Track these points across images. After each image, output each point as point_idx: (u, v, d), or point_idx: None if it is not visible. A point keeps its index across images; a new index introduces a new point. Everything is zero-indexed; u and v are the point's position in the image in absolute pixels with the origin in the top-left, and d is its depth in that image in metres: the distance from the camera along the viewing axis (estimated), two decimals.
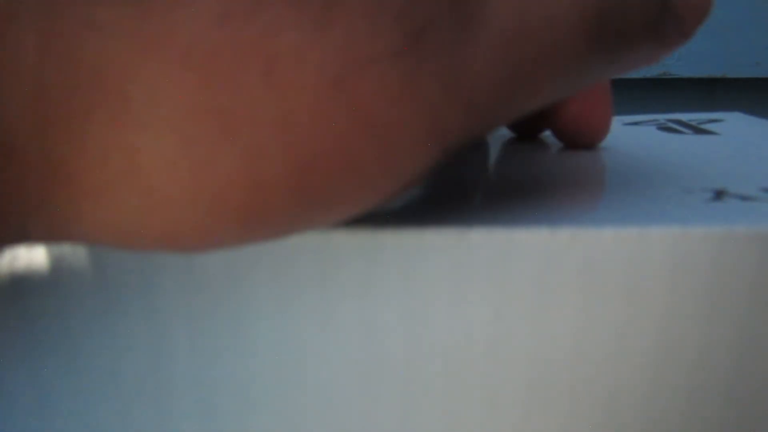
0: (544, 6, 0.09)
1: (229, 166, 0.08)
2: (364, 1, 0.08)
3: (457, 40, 0.08)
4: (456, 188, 0.13)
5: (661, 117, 0.22)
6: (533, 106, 0.10)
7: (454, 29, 0.08)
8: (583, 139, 0.17)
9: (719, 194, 0.12)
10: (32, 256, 0.11)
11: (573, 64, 0.09)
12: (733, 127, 0.20)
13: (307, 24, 0.07)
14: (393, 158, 0.08)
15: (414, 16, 0.08)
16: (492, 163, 0.16)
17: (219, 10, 0.07)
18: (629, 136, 0.19)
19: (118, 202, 0.08)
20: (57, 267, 0.11)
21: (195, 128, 0.07)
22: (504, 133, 0.20)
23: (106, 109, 0.07)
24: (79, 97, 0.07)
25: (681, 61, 0.50)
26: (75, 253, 0.11)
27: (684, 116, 0.22)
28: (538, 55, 0.09)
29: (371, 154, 0.08)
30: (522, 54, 0.09)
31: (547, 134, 0.20)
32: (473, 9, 0.08)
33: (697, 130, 0.19)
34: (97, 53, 0.07)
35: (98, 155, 0.08)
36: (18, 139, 0.07)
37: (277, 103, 0.07)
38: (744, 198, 0.12)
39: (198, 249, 0.09)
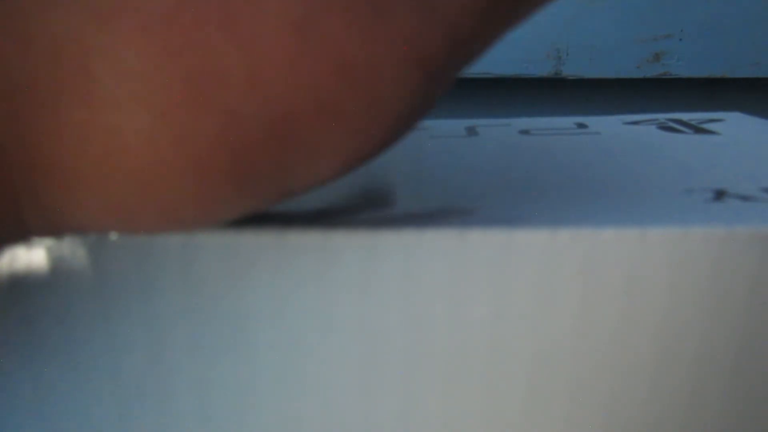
0: None
1: (207, 132, 0.07)
2: None
3: None
4: (455, 189, 0.13)
5: (661, 116, 0.22)
6: (511, 25, 0.09)
7: None
8: None
9: (719, 194, 0.12)
10: (32, 257, 0.11)
11: None
12: (733, 126, 0.20)
13: None
14: (373, 97, 0.08)
15: None
16: (491, 164, 0.16)
17: None
18: (629, 135, 0.19)
19: (107, 185, 0.08)
20: (56, 267, 0.11)
21: (166, 99, 0.07)
22: (502, 130, 0.20)
23: (74, 89, 0.07)
24: (43, 82, 0.07)
25: (681, 61, 0.50)
26: (74, 253, 0.11)
27: (684, 116, 0.22)
28: None
29: (349, 95, 0.08)
30: None
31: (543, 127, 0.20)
32: None
33: (697, 130, 0.19)
34: (55, 30, 0.07)
35: (75, 141, 0.07)
36: (2, 136, 0.07)
37: (240, 57, 0.07)
38: (744, 198, 0.12)
39: (201, 221, 0.08)
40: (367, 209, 0.12)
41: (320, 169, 0.08)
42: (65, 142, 0.07)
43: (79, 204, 0.08)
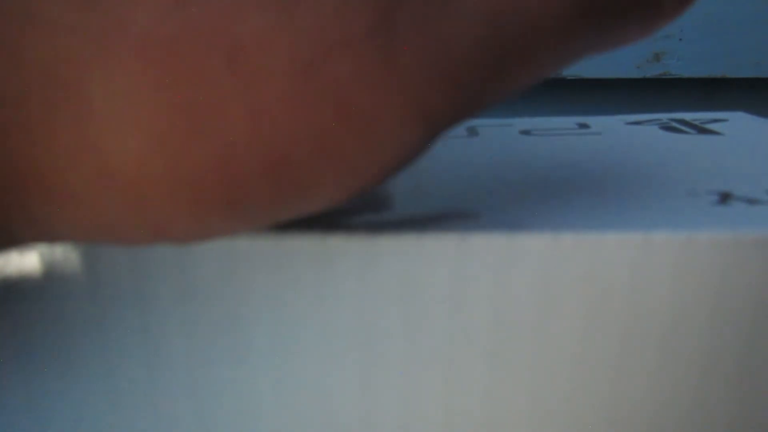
0: None
1: (202, 161, 0.07)
2: None
3: (436, 16, 0.08)
4: (455, 191, 0.13)
5: (664, 116, 0.22)
6: (523, 84, 0.09)
7: (431, 4, 0.08)
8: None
9: (725, 197, 0.12)
10: (24, 261, 0.11)
11: (562, 39, 0.09)
12: (737, 127, 0.20)
13: (271, 7, 0.07)
14: (374, 143, 0.08)
15: None
16: (491, 166, 0.15)
17: None
18: (632, 136, 0.18)
19: (96, 202, 0.08)
20: (50, 272, 0.11)
21: (162, 125, 0.07)
22: (503, 131, 0.20)
23: (67, 109, 0.07)
24: (34, 98, 0.07)
25: (681, 61, 0.50)
26: (68, 257, 0.11)
27: (687, 116, 0.22)
28: (525, 30, 0.08)
29: (350, 140, 0.08)
30: (508, 29, 0.08)
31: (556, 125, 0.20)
32: None
33: (701, 130, 0.19)
34: (46, 50, 0.07)
35: (66, 158, 0.07)
36: None
37: (244, 93, 0.07)
38: (750, 201, 0.12)
39: (189, 239, 0.08)
40: (365, 212, 0.11)
41: (312, 202, 0.08)
42: (56, 159, 0.07)
43: (69, 218, 0.08)
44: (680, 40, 0.48)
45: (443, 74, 0.08)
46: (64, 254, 0.11)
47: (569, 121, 0.21)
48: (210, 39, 0.07)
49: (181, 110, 0.07)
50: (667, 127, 0.20)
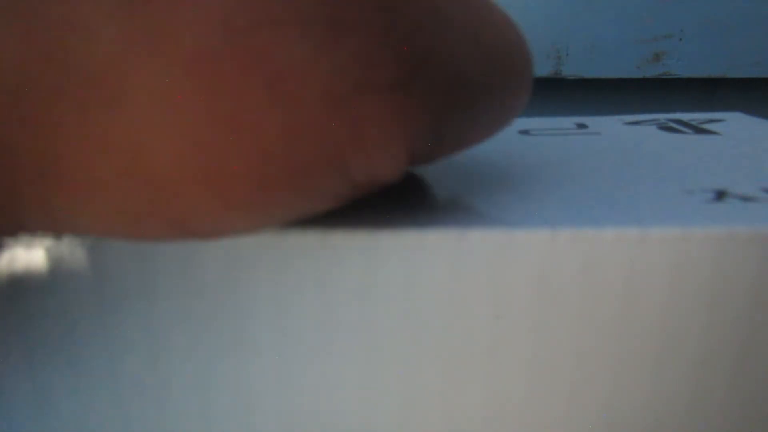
0: None
1: (235, 165, 0.08)
2: (370, 28, 0.08)
3: (445, 80, 0.09)
4: (454, 188, 0.13)
5: (662, 116, 0.22)
6: (481, 139, 0.11)
7: (443, 68, 0.09)
8: None
9: (720, 195, 0.12)
10: (31, 256, 0.11)
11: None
12: (734, 127, 0.20)
13: (311, 43, 0.08)
14: (376, 166, 0.09)
15: (416, 47, 0.08)
16: (490, 164, 0.15)
17: (222, 17, 0.07)
18: (629, 135, 0.19)
19: (122, 194, 0.08)
20: (56, 268, 0.11)
21: (200, 130, 0.07)
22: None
23: (104, 108, 0.07)
24: (69, 97, 0.07)
25: (681, 61, 0.50)
26: (73, 253, 0.11)
27: (684, 116, 0.22)
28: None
29: (362, 162, 0.09)
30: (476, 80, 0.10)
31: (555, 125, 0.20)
32: None
33: (698, 130, 0.19)
34: (86, 57, 0.07)
35: (99, 151, 0.08)
36: (7, 136, 0.07)
37: (280, 114, 0.08)
38: (745, 198, 0.12)
39: (209, 235, 0.09)
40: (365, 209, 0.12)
41: (318, 206, 0.09)
42: (87, 153, 0.08)
43: (88, 210, 0.08)
44: (680, 40, 0.49)
45: (437, 125, 0.09)
46: (70, 249, 0.11)
47: (568, 121, 0.21)
48: (252, 62, 0.07)
49: (220, 119, 0.07)
50: (664, 127, 0.20)
